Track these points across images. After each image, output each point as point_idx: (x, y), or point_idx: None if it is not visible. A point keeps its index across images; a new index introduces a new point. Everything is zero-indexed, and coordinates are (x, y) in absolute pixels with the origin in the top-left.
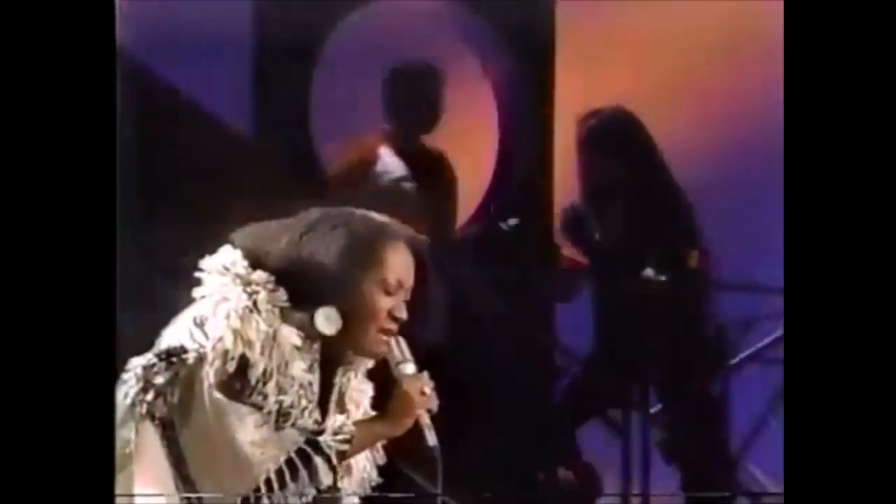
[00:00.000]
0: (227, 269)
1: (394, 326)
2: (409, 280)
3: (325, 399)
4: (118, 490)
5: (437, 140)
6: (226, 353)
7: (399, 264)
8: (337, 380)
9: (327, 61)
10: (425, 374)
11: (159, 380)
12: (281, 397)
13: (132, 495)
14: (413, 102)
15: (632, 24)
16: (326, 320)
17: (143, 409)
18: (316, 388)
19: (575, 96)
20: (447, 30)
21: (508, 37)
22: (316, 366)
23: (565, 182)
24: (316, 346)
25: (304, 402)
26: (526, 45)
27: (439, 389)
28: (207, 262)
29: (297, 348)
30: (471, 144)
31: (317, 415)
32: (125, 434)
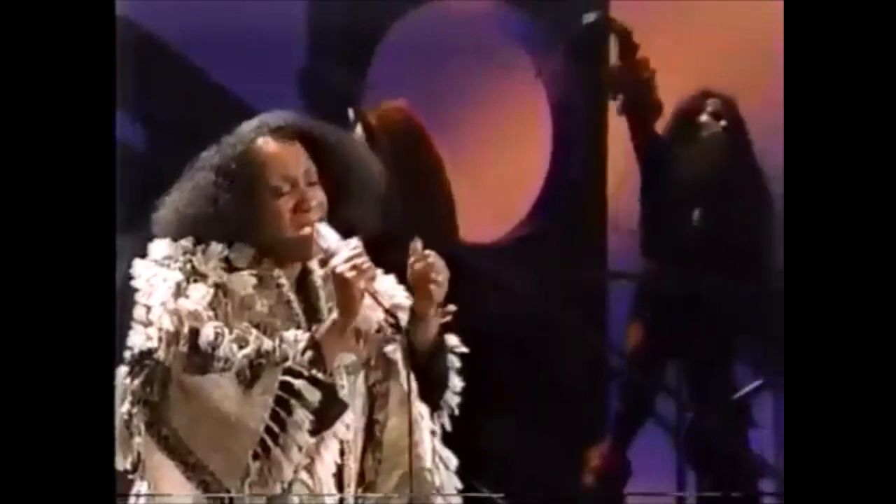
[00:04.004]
0: (154, 261)
1: (309, 216)
2: (298, 169)
3: (315, 321)
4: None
5: (490, 141)
6: (175, 334)
7: (276, 161)
8: (317, 297)
9: (380, 63)
10: (353, 241)
11: (134, 385)
12: (245, 350)
13: (136, 495)
14: None
15: (686, 22)
16: (237, 256)
17: (133, 420)
18: (284, 321)
19: None
20: (501, 30)
21: (563, 37)
22: (281, 295)
23: (618, 182)
24: (275, 272)
25: (271, 343)
26: (580, 45)
27: (488, 392)
28: (138, 268)
29: (255, 288)
30: (524, 146)
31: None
32: (126, 448)
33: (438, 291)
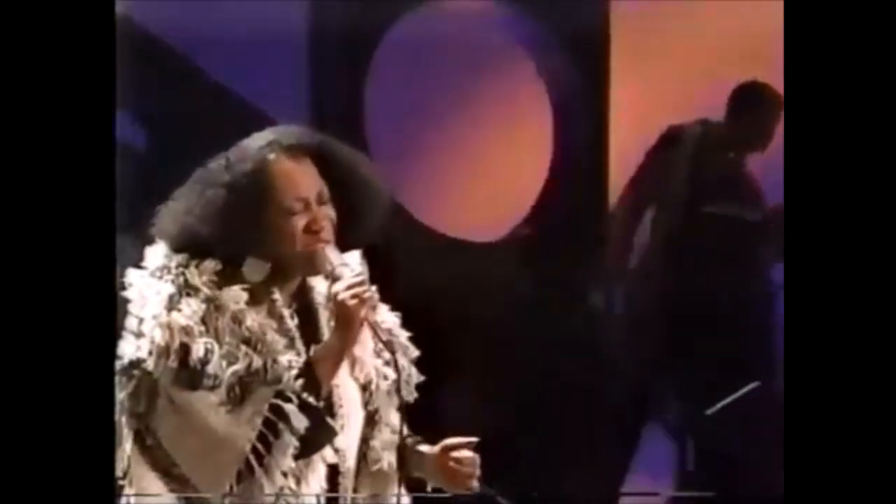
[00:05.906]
0: (148, 272)
1: (320, 236)
2: (312, 190)
3: (312, 337)
4: None
5: (490, 141)
6: (165, 348)
7: (290, 182)
8: (319, 314)
9: (382, 63)
10: (357, 267)
11: (121, 394)
12: (234, 367)
13: (137, 495)
14: None
15: (686, 22)
16: (252, 270)
17: (120, 429)
18: (275, 335)
19: (630, 97)
20: (501, 31)
21: (563, 37)
22: (274, 310)
23: (619, 183)
24: (273, 290)
25: (260, 361)
26: (580, 45)
27: (488, 390)
28: (131, 276)
29: (247, 303)
30: (525, 145)
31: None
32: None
33: (458, 488)
